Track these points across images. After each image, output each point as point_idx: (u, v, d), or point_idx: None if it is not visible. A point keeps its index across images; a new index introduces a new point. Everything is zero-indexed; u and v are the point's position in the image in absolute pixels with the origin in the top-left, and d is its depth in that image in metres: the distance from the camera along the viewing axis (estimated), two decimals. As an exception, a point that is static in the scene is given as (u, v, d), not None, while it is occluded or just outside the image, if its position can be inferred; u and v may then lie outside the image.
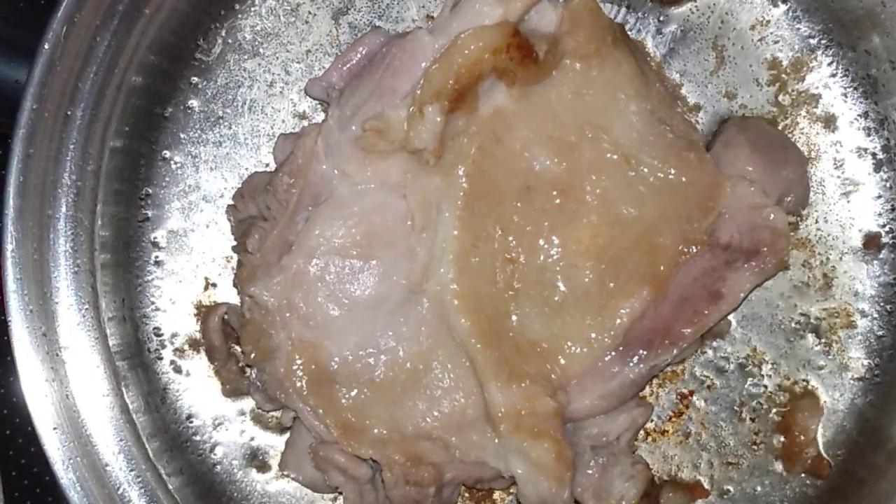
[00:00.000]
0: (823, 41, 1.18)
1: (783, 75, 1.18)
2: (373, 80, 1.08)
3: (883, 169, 1.17)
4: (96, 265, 1.14)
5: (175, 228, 1.20)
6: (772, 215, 1.07)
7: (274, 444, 1.20)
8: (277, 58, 1.20)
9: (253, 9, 1.20)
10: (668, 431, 1.20)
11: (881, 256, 1.18)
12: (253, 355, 1.08)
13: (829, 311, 1.18)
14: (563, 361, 1.06)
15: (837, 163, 1.18)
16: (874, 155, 1.18)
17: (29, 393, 1.09)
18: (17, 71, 1.14)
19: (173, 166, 1.20)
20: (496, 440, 1.05)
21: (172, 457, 1.17)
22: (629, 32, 1.16)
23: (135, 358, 1.18)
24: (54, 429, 1.09)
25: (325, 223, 1.07)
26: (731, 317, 1.17)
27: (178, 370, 1.20)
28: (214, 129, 1.20)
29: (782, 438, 1.18)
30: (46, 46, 1.07)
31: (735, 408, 1.19)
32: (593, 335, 1.06)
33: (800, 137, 1.18)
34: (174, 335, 1.20)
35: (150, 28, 1.13)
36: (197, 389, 1.20)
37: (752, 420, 1.19)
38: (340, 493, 1.13)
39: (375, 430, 1.07)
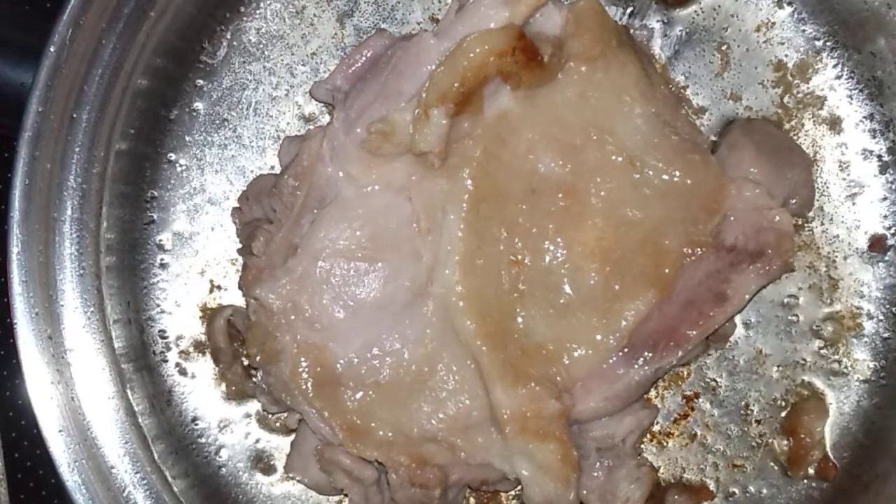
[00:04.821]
0: (829, 43, 1.18)
1: (788, 77, 1.18)
2: (378, 83, 1.08)
3: (888, 171, 1.17)
4: (102, 268, 1.14)
5: (180, 231, 1.20)
6: (777, 217, 1.07)
7: (279, 446, 1.20)
8: (282, 60, 1.20)
9: (258, 11, 1.20)
10: (673, 434, 1.20)
11: (887, 258, 1.18)
12: (258, 358, 1.08)
13: (835, 313, 1.18)
14: (568, 363, 1.06)
15: (843, 165, 1.18)
16: (879, 157, 1.17)
17: (34, 395, 1.09)
18: (23, 74, 1.14)
19: (178, 169, 1.20)
20: (502, 442, 1.05)
21: (178, 459, 1.17)
22: (634, 35, 1.16)
23: (140, 360, 1.18)
24: (60, 431, 1.09)
25: (330, 225, 1.07)
26: (736, 319, 1.17)
27: (183, 373, 1.20)
28: (219, 131, 1.20)
29: (788, 441, 1.18)
30: (52, 49, 1.07)
31: (740, 410, 1.19)
32: (599, 337, 1.06)
33: (805, 139, 1.18)
34: (179, 338, 1.20)
35: (155, 31, 1.13)
36: (202, 392, 1.20)
37: (758, 422, 1.19)
38: (346, 496, 1.14)
39: (381, 433, 1.07)
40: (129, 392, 1.15)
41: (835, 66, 1.18)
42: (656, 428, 1.20)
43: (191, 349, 1.20)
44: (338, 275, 1.07)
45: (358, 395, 1.07)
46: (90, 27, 1.08)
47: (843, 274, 1.18)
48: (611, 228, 1.06)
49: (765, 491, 1.19)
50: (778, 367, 1.19)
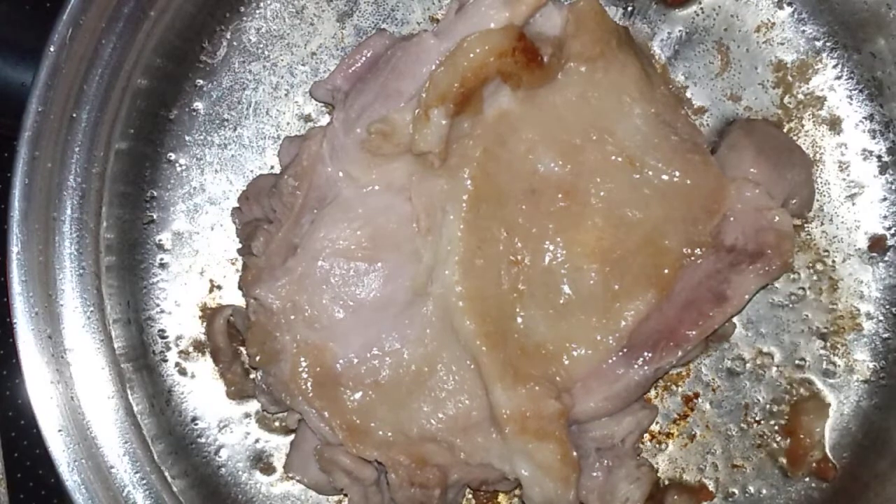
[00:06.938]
0: (829, 43, 1.18)
1: (788, 77, 1.18)
2: (378, 83, 1.08)
3: (888, 171, 1.17)
4: (101, 267, 1.14)
5: (180, 231, 1.20)
6: (776, 218, 1.07)
7: (279, 445, 1.20)
8: (282, 60, 1.20)
9: (258, 11, 1.20)
10: (673, 434, 1.20)
11: (886, 259, 1.18)
12: (258, 357, 1.08)
13: (835, 313, 1.18)
14: (567, 363, 1.06)
15: (842, 165, 1.18)
16: (879, 157, 1.18)
17: (34, 395, 1.09)
18: (23, 73, 1.14)
19: (178, 169, 1.20)
20: (501, 442, 1.05)
21: (177, 459, 1.17)
22: (634, 35, 1.16)
23: (140, 360, 1.18)
24: (59, 431, 1.09)
25: (330, 225, 1.07)
26: (736, 319, 1.17)
27: (183, 372, 1.20)
28: (219, 131, 1.21)
29: (787, 441, 1.18)
30: (52, 49, 1.07)
31: (740, 410, 1.19)
32: (598, 337, 1.06)
33: (805, 140, 1.18)
34: (179, 337, 1.20)
35: (155, 30, 1.13)
36: (202, 392, 1.20)
37: (757, 422, 1.19)
38: (345, 495, 1.13)
39: (381, 433, 1.07)
40: (128, 392, 1.15)
41: (835, 67, 1.18)
42: (656, 428, 1.20)
43: (191, 349, 1.20)
44: (338, 275, 1.07)
45: (358, 395, 1.07)
46: (90, 27, 1.08)
47: (843, 274, 1.18)
48: (611, 228, 1.06)
49: (764, 491, 1.19)
50: (777, 367, 1.19)
